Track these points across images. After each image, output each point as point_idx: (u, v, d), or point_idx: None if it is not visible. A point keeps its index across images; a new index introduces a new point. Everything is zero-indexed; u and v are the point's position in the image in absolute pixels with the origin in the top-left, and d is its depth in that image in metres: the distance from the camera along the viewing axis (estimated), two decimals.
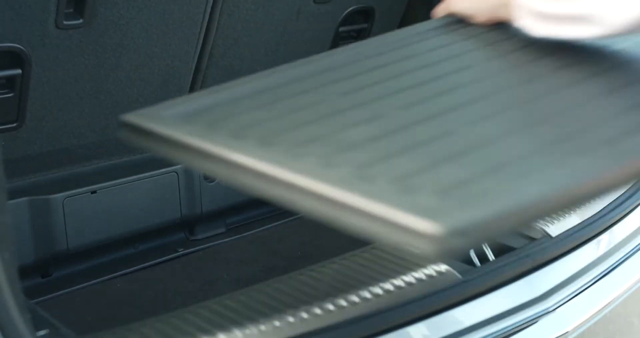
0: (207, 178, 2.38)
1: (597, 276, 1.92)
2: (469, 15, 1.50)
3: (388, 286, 1.79)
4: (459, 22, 1.51)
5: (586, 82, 1.23)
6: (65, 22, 1.96)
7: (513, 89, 1.24)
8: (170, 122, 1.18)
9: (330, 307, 1.71)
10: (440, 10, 1.54)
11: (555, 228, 1.94)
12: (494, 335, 1.75)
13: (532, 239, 1.92)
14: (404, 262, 1.91)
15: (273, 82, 1.29)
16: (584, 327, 1.84)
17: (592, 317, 1.87)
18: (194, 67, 2.26)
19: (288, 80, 1.29)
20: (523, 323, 1.77)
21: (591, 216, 2.01)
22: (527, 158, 1.00)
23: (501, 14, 1.44)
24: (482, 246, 0.85)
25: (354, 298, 1.74)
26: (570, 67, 1.30)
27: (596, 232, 1.98)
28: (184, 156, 1.11)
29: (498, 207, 0.88)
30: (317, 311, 1.70)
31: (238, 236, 2.43)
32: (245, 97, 1.25)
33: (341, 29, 2.50)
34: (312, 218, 1.03)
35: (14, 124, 2.04)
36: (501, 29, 1.46)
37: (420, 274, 1.84)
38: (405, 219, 0.85)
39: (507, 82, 1.27)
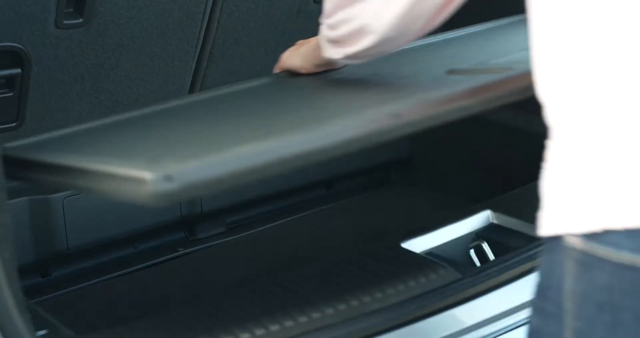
0: None
1: None
2: (298, 68, 1.74)
3: (388, 285, 1.79)
4: (291, 74, 1.75)
5: (338, 96, 1.58)
6: (65, 22, 1.96)
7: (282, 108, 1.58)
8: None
9: (331, 306, 1.71)
10: (275, 69, 1.79)
11: None
12: (494, 334, 1.76)
13: (532, 239, 1.92)
14: (404, 262, 1.91)
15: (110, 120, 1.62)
16: None
17: None
18: (193, 67, 2.26)
19: (124, 118, 1.61)
20: (523, 323, 1.77)
21: None
22: (248, 139, 1.32)
23: (319, 58, 1.66)
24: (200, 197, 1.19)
25: (354, 297, 1.74)
26: (335, 89, 1.67)
27: None
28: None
29: (203, 162, 1.17)
30: (317, 310, 1.70)
31: (238, 236, 2.43)
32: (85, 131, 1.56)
33: None
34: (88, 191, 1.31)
35: (14, 124, 2.04)
36: (319, 73, 1.73)
37: (420, 274, 1.84)
38: (133, 173, 1.14)
39: (284, 102, 1.63)
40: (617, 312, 1.13)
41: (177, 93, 2.27)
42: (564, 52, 1.16)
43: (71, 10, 1.97)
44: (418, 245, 2.00)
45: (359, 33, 1.50)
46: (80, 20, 1.98)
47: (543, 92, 1.20)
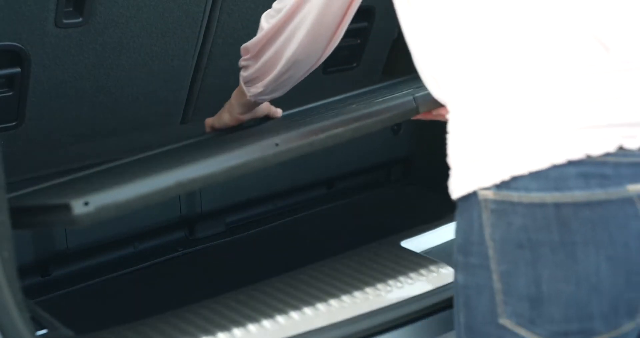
0: None
1: None
2: (227, 123, 1.91)
3: (388, 285, 1.79)
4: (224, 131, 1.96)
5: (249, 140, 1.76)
6: (64, 21, 1.96)
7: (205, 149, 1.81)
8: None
9: (330, 305, 1.71)
10: (207, 128, 1.97)
11: None
12: None
13: None
14: (404, 262, 1.91)
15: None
16: None
17: None
18: (193, 66, 2.25)
19: None
20: None
21: None
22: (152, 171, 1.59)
23: (243, 105, 1.84)
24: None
25: (354, 297, 1.74)
26: (242, 133, 1.90)
27: None
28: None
29: (112, 190, 1.46)
30: (317, 310, 1.70)
31: (238, 236, 2.43)
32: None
33: None
34: None
35: (14, 123, 2.04)
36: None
37: (420, 273, 1.84)
38: (62, 202, 1.43)
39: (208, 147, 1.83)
40: (536, 248, 1.27)
41: (177, 93, 2.27)
42: (437, 49, 1.36)
43: (71, 9, 1.96)
44: (418, 244, 2.00)
45: (270, 62, 1.70)
46: (80, 19, 1.98)
47: (427, 77, 1.40)
